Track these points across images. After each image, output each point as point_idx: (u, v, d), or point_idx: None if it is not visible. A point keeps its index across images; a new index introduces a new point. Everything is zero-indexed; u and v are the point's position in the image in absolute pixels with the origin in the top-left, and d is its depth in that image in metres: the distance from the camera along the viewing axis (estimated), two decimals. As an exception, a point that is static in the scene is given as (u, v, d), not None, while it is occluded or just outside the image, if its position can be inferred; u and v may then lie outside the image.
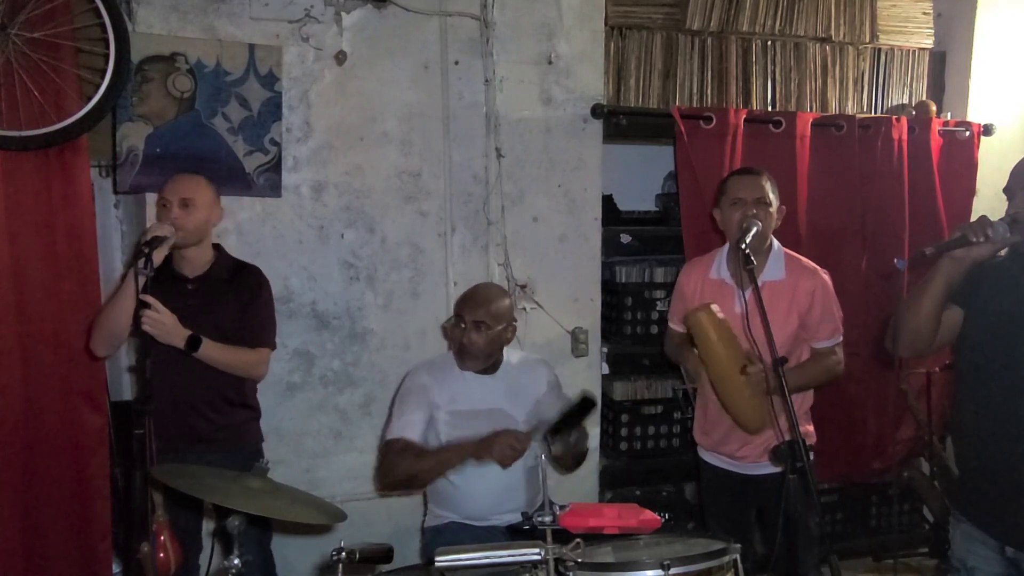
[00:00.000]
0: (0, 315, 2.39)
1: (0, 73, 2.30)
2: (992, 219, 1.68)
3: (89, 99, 2.40)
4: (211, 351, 2.20)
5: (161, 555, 1.77)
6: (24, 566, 2.44)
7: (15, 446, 2.42)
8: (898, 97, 3.54)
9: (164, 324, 2.10)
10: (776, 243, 2.42)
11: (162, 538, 1.78)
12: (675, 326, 2.57)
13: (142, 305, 2.05)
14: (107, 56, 2.38)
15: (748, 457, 2.41)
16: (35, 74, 2.34)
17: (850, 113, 3.41)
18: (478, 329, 2.24)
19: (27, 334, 2.43)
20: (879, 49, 3.50)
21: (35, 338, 2.44)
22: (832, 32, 3.40)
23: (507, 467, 2.11)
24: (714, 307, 2.22)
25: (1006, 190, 1.78)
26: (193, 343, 2.16)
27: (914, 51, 3.55)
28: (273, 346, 2.40)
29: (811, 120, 3.20)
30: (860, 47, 3.47)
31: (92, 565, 2.53)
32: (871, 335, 3.21)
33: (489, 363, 2.31)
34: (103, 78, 2.39)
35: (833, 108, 3.43)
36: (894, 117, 3.32)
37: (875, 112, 3.49)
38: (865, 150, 3.27)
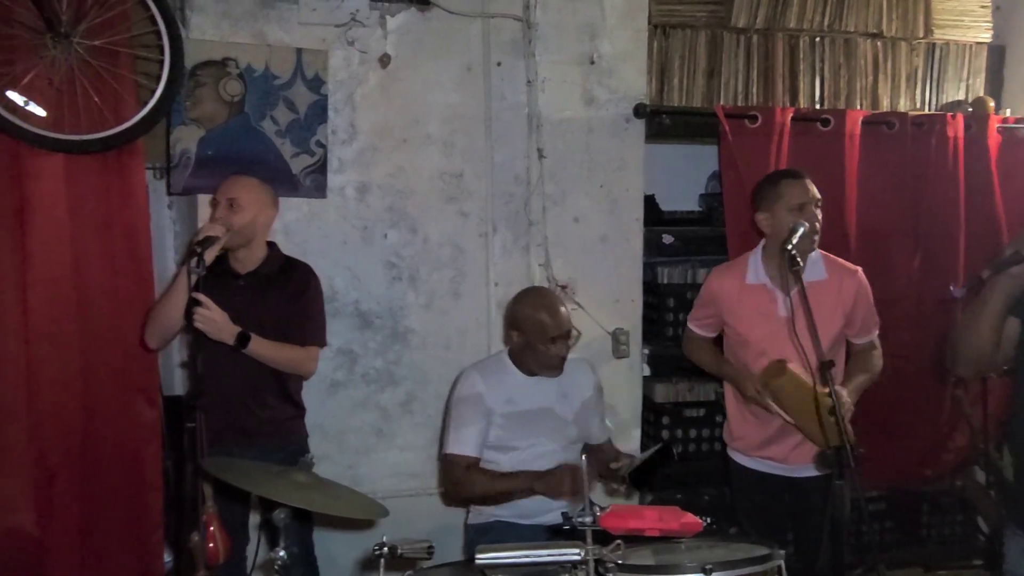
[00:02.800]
0: (61, 311, 2.49)
1: (63, 79, 2.40)
2: None
3: (145, 104, 2.49)
4: (260, 348, 2.25)
5: (210, 545, 1.82)
6: (82, 554, 2.53)
7: (75, 437, 2.52)
8: (954, 93, 3.43)
9: (215, 321, 2.16)
10: None
11: (211, 529, 1.83)
12: (698, 330, 2.56)
13: (194, 303, 2.11)
14: (162, 62, 2.47)
15: (797, 459, 2.38)
16: (95, 80, 2.43)
17: (902, 110, 3.32)
18: (567, 339, 2.32)
19: (86, 330, 2.52)
20: (934, 44, 3.39)
21: (93, 334, 2.53)
22: (884, 27, 3.31)
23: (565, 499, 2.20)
24: (790, 366, 2.19)
25: None
26: (242, 340, 2.21)
27: (971, 45, 3.43)
28: (323, 343, 2.45)
29: (861, 118, 3.12)
30: (913, 42, 3.37)
31: (145, 554, 2.61)
32: (923, 339, 3.12)
33: None
34: (158, 83, 2.48)
35: (885, 106, 3.34)
36: (949, 114, 3.22)
37: (929, 109, 3.39)
38: (918, 148, 3.18)
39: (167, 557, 2.68)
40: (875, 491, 3.30)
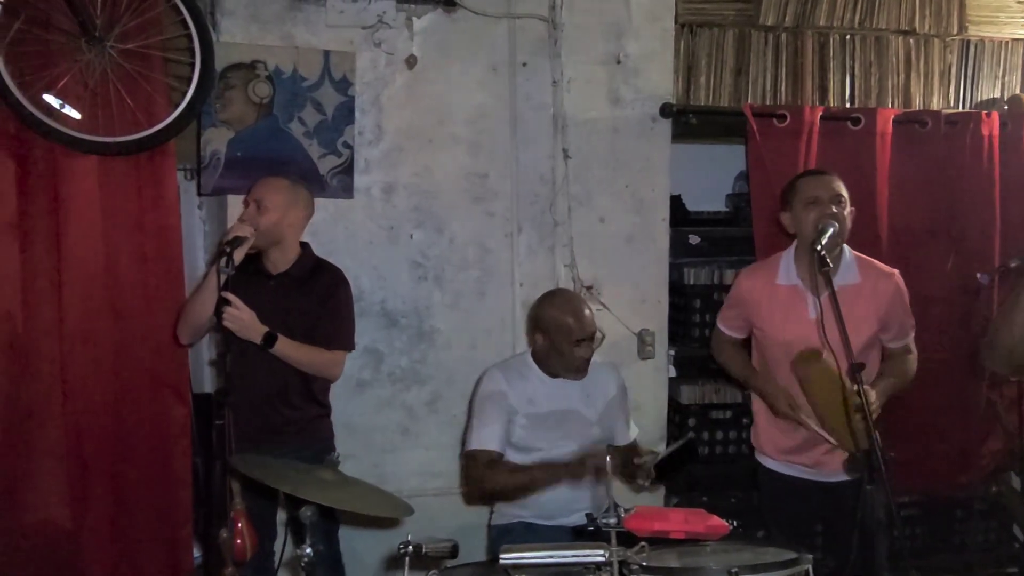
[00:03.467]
0: (95, 309, 2.54)
1: (97, 82, 2.45)
2: None
3: (176, 106, 2.52)
4: (286, 348, 2.28)
5: (238, 541, 1.83)
6: (113, 548, 2.58)
7: (107, 433, 2.57)
8: (989, 91, 3.36)
9: (242, 320, 2.19)
10: (845, 246, 2.34)
11: (239, 525, 1.84)
12: (728, 330, 2.53)
13: (223, 302, 2.14)
14: (193, 65, 2.50)
15: (830, 464, 2.34)
16: (128, 83, 2.47)
17: (935, 109, 3.25)
18: (592, 341, 2.32)
19: (118, 327, 2.57)
20: (968, 41, 3.32)
21: (125, 332, 2.58)
22: (916, 24, 3.25)
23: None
24: (825, 355, 2.16)
25: None
26: (269, 339, 2.24)
27: (1006, 42, 3.36)
28: (350, 348, 2.45)
29: (893, 116, 3.07)
30: (947, 39, 3.30)
31: (175, 549, 2.65)
32: (957, 341, 3.06)
33: None
34: (189, 86, 2.51)
35: (917, 104, 3.28)
36: (984, 112, 3.15)
37: (963, 108, 3.32)
38: (952, 147, 3.12)
39: (196, 552, 2.72)
40: (907, 496, 3.24)
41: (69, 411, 2.52)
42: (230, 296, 2.16)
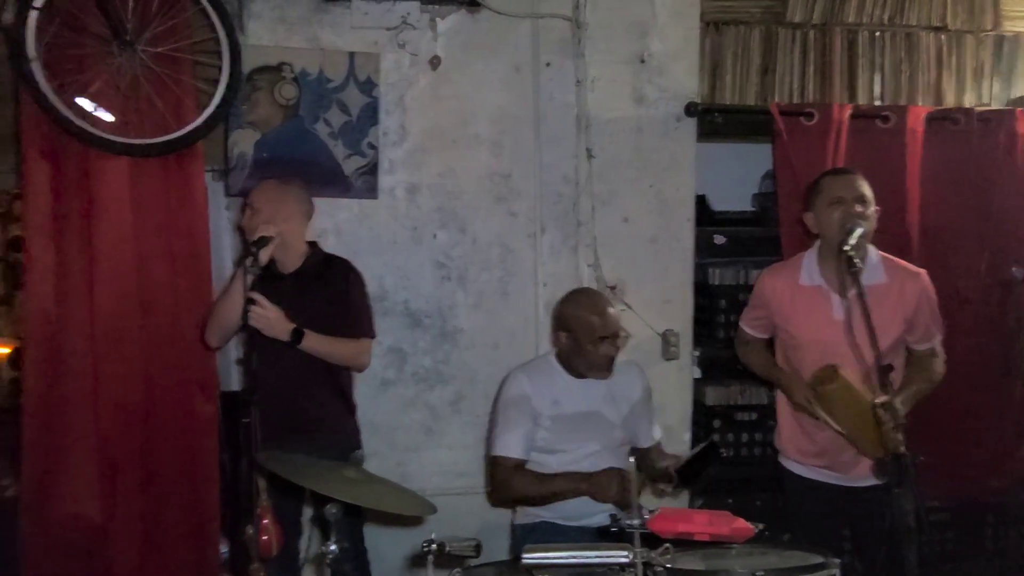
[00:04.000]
0: (125, 309, 2.58)
1: (128, 86, 2.49)
2: None
3: (204, 108, 2.56)
4: (314, 343, 2.31)
5: (264, 538, 1.86)
6: (142, 542, 2.62)
7: (137, 430, 2.61)
8: (1023, 88, 3.28)
9: (269, 319, 2.22)
10: (870, 246, 2.30)
11: (265, 522, 1.87)
12: (751, 331, 2.50)
13: (249, 301, 2.17)
14: (221, 68, 2.54)
15: (854, 469, 2.32)
16: (158, 86, 2.52)
17: (968, 106, 3.19)
18: (616, 339, 2.30)
19: (147, 326, 2.61)
20: (1003, 36, 3.25)
21: (154, 330, 2.62)
22: (948, 20, 3.19)
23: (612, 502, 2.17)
24: (842, 372, 2.13)
25: None
26: (297, 336, 2.27)
27: (1043, 37, 3.29)
28: (372, 335, 2.49)
29: (924, 114, 3.02)
30: (980, 35, 3.23)
31: (202, 545, 2.69)
32: (989, 343, 3.01)
33: None
34: (217, 88, 2.55)
35: (949, 101, 3.21)
36: (1019, 109, 3.09)
37: (997, 105, 3.25)
38: (985, 145, 3.05)
39: (223, 548, 2.76)
40: (937, 501, 3.18)
41: (101, 408, 2.57)
42: (256, 295, 2.19)
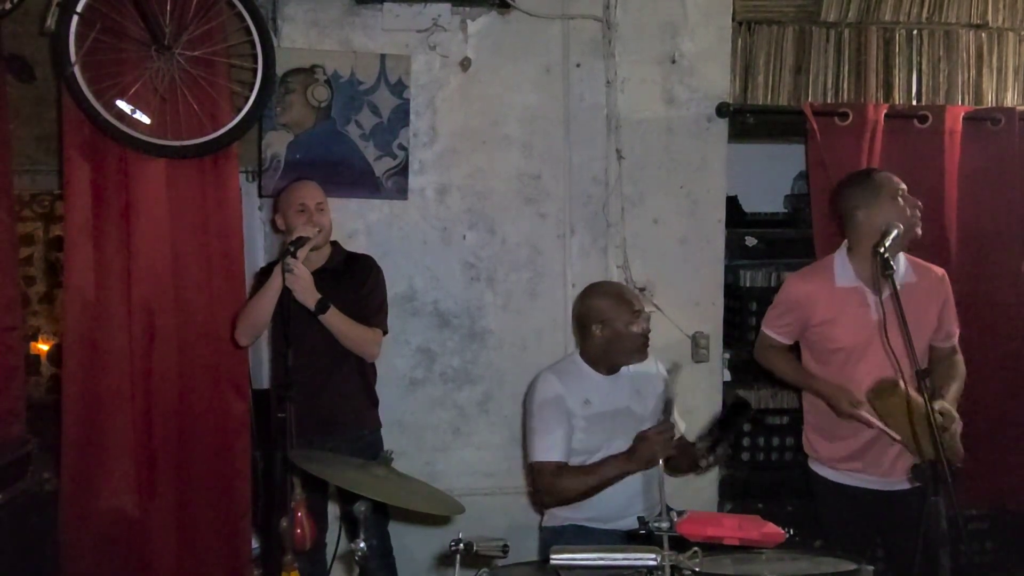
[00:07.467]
0: (161, 307, 2.64)
1: (166, 89, 2.55)
2: None
3: (239, 110, 2.61)
4: (335, 319, 2.37)
5: (298, 531, 1.89)
6: (177, 536, 2.67)
7: (172, 426, 2.67)
8: (1067, 86, 3.20)
9: (303, 280, 2.30)
10: None
11: (299, 515, 1.90)
12: (776, 336, 2.45)
13: (286, 267, 2.25)
14: (255, 70, 2.58)
15: (886, 472, 2.29)
16: (194, 89, 2.57)
17: (1009, 105, 3.11)
18: (644, 317, 2.34)
19: (182, 325, 2.66)
20: (1046, 34, 3.18)
21: (189, 329, 2.67)
22: (989, 18, 3.12)
23: (667, 455, 2.13)
24: (900, 384, 2.10)
25: None
26: (322, 305, 2.34)
27: (1088, 34, 3.19)
28: (384, 330, 2.53)
29: (963, 114, 2.96)
30: (1022, 33, 3.16)
31: (234, 539, 2.73)
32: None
33: None
34: (251, 91, 2.59)
35: (989, 101, 3.14)
36: (1063, 108, 3.02)
37: (1039, 104, 3.18)
38: (1026, 145, 2.99)
39: (254, 543, 2.80)
40: (976, 509, 3.10)
41: (138, 405, 2.63)
42: (291, 260, 2.27)
